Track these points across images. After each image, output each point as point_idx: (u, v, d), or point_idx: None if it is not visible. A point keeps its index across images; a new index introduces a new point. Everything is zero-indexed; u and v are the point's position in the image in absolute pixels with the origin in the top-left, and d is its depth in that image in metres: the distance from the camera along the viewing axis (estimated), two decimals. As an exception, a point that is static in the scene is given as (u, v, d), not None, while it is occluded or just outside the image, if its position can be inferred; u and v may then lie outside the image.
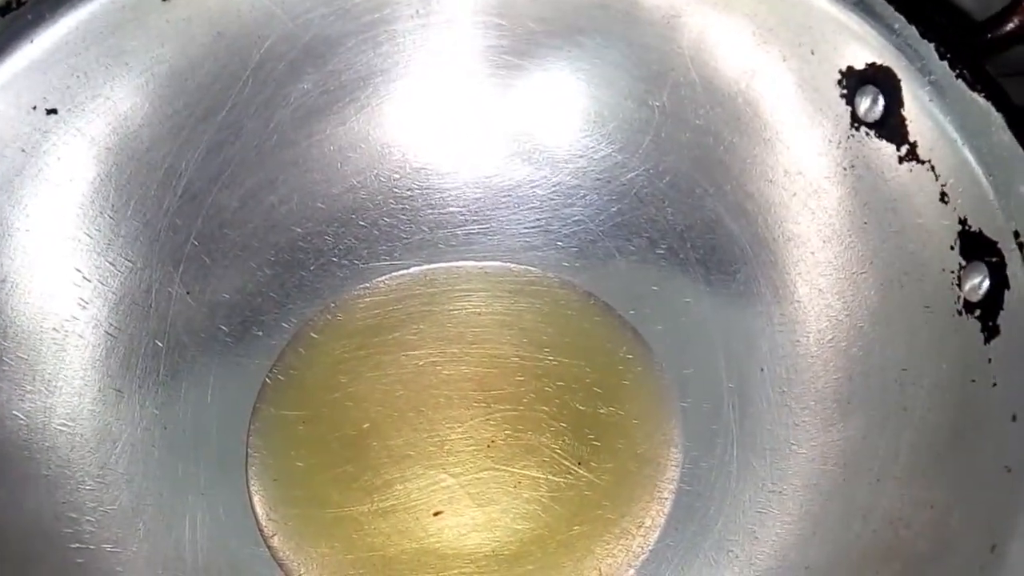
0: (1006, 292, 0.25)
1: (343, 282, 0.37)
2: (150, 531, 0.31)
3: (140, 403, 0.32)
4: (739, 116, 0.34)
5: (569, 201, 0.37)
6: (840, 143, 0.31)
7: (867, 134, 0.30)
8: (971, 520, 0.24)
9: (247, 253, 0.36)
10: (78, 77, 0.31)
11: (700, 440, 0.33)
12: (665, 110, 0.35)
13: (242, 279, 0.35)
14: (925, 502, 0.26)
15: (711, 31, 0.33)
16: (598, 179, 0.37)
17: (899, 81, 0.29)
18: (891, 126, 0.29)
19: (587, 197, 0.37)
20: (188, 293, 0.34)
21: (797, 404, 0.32)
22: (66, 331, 0.32)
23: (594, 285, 0.36)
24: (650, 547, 0.32)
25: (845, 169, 0.31)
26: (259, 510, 0.32)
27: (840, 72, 0.30)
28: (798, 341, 0.33)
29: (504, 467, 0.33)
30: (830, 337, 0.32)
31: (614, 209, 0.37)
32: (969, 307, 0.27)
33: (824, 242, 0.32)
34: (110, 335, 0.33)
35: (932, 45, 0.28)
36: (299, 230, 0.36)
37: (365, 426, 0.34)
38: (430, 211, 0.38)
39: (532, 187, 0.38)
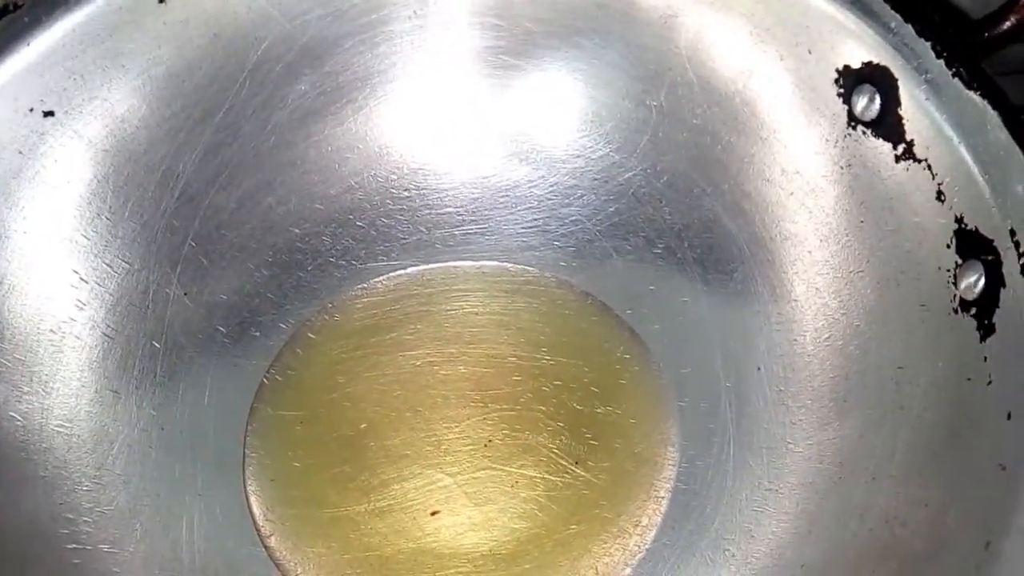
0: (1002, 290, 0.25)
1: (341, 282, 0.37)
2: (147, 532, 0.31)
3: (137, 404, 0.32)
4: (736, 115, 0.34)
5: (566, 201, 0.37)
6: (837, 142, 0.31)
7: (864, 133, 0.30)
8: (967, 518, 0.24)
9: (245, 254, 0.36)
10: (75, 79, 0.31)
11: (697, 439, 0.33)
12: (663, 110, 0.35)
13: (240, 280, 0.35)
14: (921, 500, 0.26)
15: (708, 31, 0.33)
16: (595, 179, 0.37)
17: (896, 80, 0.28)
18: (888, 125, 0.29)
19: (584, 197, 0.37)
20: (185, 294, 0.34)
21: (794, 403, 0.32)
22: (63, 332, 0.32)
23: (591, 285, 0.36)
24: (647, 546, 0.32)
25: (842, 168, 0.31)
26: (256, 510, 0.32)
27: (837, 71, 0.30)
28: (795, 340, 0.33)
29: (501, 466, 0.33)
30: (827, 336, 0.32)
31: (611, 209, 0.37)
32: (965, 305, 0.27)
33: (821, 241, 0.32)
34: (107, 336, 0.33)
35: (928, 44, 0.28)
36: (297, 231, 0.36)
37: (362, 426, 0.34)
38: (427, 211, 0.38)
39: (529, 187, 0.38)
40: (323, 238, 0.37)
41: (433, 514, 0.33)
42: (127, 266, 0.33)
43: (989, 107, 0.26)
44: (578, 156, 0.37)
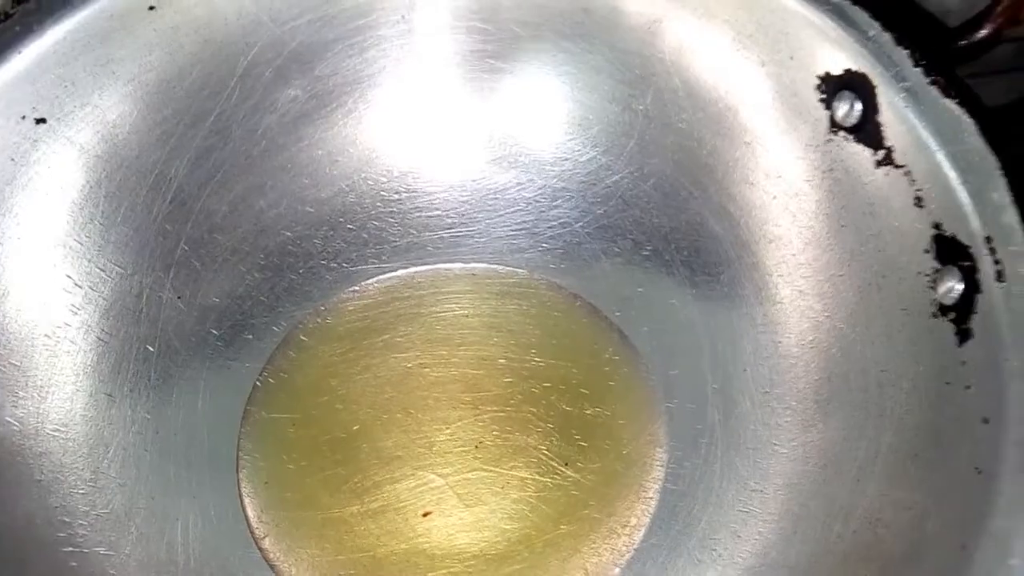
0: (978, 296, 0.26)
1: (332, 285, 0.37)
2: (142, 534, 0.31)
3: (132, 407, 0.33)
4: (720, 120, 0.34)
5: (554, 203, 0.38)
6: (819, 147, 0.32)
7: (845, 138, 0.31)
8: (945, 521, 0.24)
9: (237, 257, 0.36)
10: (67, 86, 0.31)
11: (685, 440, 0.34)
12: (648, 114, 0.36)
13: (232, 283, 0.36)
14: (903, 503, 0.26)
15: (692, 37, 0.33)
16: (583, 182, 0.37)
17: (875, 87, 0.29)
18: (868, 131, 0.30)
19: (572, 199, 0.37)
20: (179, 298, 0.35)
21: (779, 404, 0.32)
22: (58, 337, 0.32)
23: (580, 287, 0.37)
24: (635, 546, 0.33)
25: (824, 173, 0.32)
26: (250, 512, 0.33)
27: (818, 77, 0.31)
28: (780, 342, 0.33)
29: (492, 468, 0.34)
30: (811, 338, 0.33)
31: (599, 211, 0.37)
32: (943, 310, 0.27)
33: (805, 244, 0.33)
34: (101, 340, 0.33)
35: (906, 52, 0.28)
36: (288, 234, 0.37)
37: (355, 428, 0.34)
38: (417, 214, 0.38)
39: (518, 190, 0.38)
40: (314, 241, 0.37)
41: (425, 515, 0.33)
42: (120, 270, 0.34)
43: (966, 115, 0.27)
44: (565, 159, 0.37)
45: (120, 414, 0.32)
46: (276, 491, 0.33)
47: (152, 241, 0.34)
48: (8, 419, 0.31)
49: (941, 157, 0.27)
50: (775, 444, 0.32)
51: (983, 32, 0.28)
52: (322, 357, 0.36)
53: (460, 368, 0.36)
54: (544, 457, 0.34)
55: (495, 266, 0.38)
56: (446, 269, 0.38)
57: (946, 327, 0.27)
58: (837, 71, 0.30)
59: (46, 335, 0.32)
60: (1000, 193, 0.26)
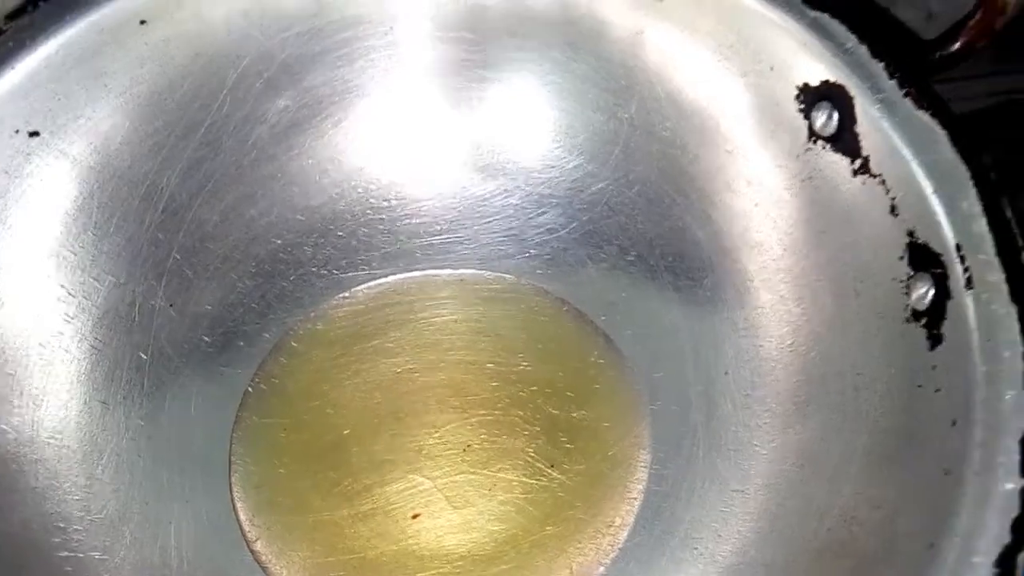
0: (949, 303, 0.26)
1: (322, 292, 0.38)
2: (136, 539, 0.32)
3: (125, 414, 0.33)
4: (703, 128, 0.35)
5: (541, 210, 0.38)
6: (799, 156, 0.32)
7: (823, 147, 0.31)
8: (915, 520, 0.25)
9: (228, 265, 0.37)
10: (59, 100, 0.32)
11: (668, 442, 0.34)
12: (633, 122, 0.36)
13: (224, 291, 0.36)
14: (876, 502, 0.27)
15: (675, 48, 0.34)
16: (569, 189, 0.38)
17: (852, 98, 0.30)
18: (845, 140, 0.31)
19: (559, 206, 0.38)
20: (171, 306, 0.35)
21: (759, 406, 0.33)
22: (52, 346, 0.33)
23: (566, 292, 0.38)
24: (620, 545, 0.33)
25: (803, 181, 0.32)
26: (242, 516, 0.33)
27: (797, 88, 0.32)
28: (760, 345, 0.34)
29: (480, 470, 0.35)
30: (790, 342, 0.33)
31: (585, 218, 0.38)
32: (916, 315, 0.28)
33: (784, 250, 0.34)
34: (95, 349, 0.34)
35: (882, 64, 0.29)
36: (279, 242, 0.37)
37: (345, 432, 0.35)
38: (406, 221, 0.39)
39: (505, 196, 0.39)
40: (305, 248, 0.38)
41: (414, 517, 0.34)
42: (113, 279, 0.34)
43: (938, 126, 0.27)
44: (552, 166, 0.38)
45: (114, 421, 0.33)
46: (268, 495, 0.34)
47: (144, 250, 0.35)
48: (3, 427, 0.31)
49: (915, 167, 0.28)
50: (755, 445, 0.33)
51: (956, 45, 0.28)
52: (313, 363, 0.36)
53: (449, 373, 0.36)
54: (531, 459, 0.35)
55: (483, 272, 0.38)
56: (435, 275, 0.38)
57: (918, 332, 0.28)
58: (815, 82, 0.31)
59: (40, 344, 0.33)
60: (970, 202, 0.26)
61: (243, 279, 0.37)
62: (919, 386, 0.27)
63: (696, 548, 0.32)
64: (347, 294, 0.38)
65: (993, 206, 0.26)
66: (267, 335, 0.36)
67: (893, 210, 0.29)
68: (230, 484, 0.34)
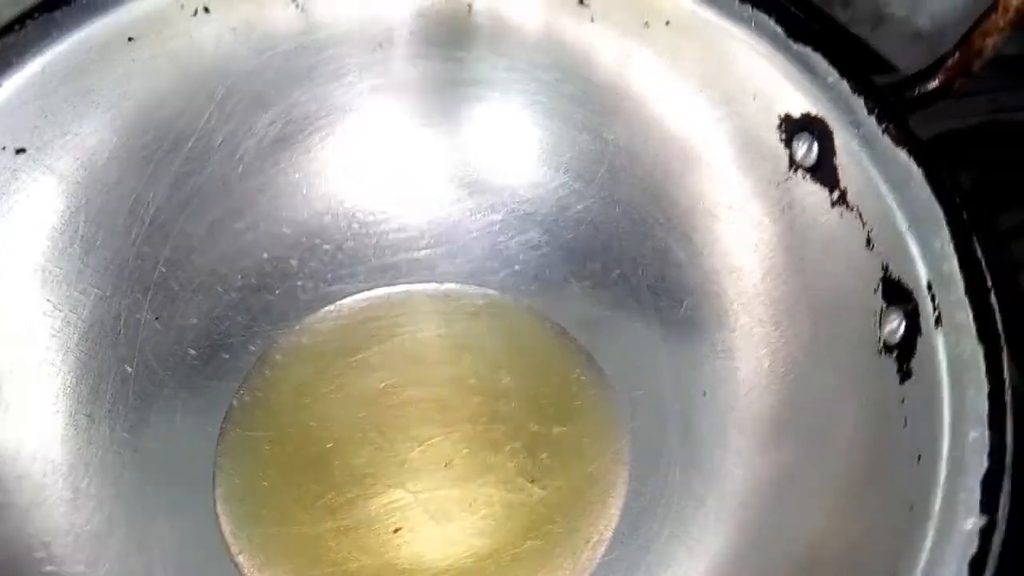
0: (919, 338, 0.27)
1: (307, 305, 0.38)
2: (121, 552, 0.32)
3: (111, 428, 0.34)
4: (687, 153, 0.35)
5: (526, 227, 0.39)
6: (779, 184, 0.33)
7: (804, 177, 0.32)
8: (878, 552, 0.26)
9: (214, 278, 0.37)
10: (46, 117, 0.32)
11: (647, 459, 0.35)
12: (618, 143, 0.37)
13: (209, 304, 0.37)
14: (842, 530, 0.28)
15: (660, 75, 0.34)
16: (554, 207, 0.38)
17: (831, 131, 0.30)
18: (825, 171, 0.31)
19: (543, 224, 0.39)
20: (157, 319, 0.36)
21: (735, 428, 0.34)
22: (37, 360, 0.33)
23: (549, 309, 0.38)
24: (598, 561, 0.34)
25: (783, 208, 0.33)
26: (226, 528, 0.34)
27: (779, 118, 0.32)
28: (738, 368, 0.35)
29: (461, 485, 0.35)
30: (767, 364, 0.34)
31: (569, 236, 0.38)
32: (888, 348, 0.29)
33: (764, 275, 0.34)
34: (80, 362, 0.34)
35: (861, 100, 0.29)
36: (265, 255, 0.38)
37: (329, 446, 0.36)
38: (392, 236, 0.39)
39: (490, 213, 0.39)
40: (291, 262, 0.38)
41: (396, 531, 0.34)
42: (99, 293, 0.34)
43: (914, 164, 0.28)
44: (537, 185, 0.39)
45: (99, 434, 0.33)
46: (251, 507, 0.34)
47: (130, 264, 0.35)
48: (-11, 441, 0.31)
49: (890, 202, 0.29)
50: (731, 466, 0.34)
51: (934, 83, 0.29)
52: (297, 376, 0.37)
53: (432, 387, 0.37)
54: (512, 475, 0.35)
55: (467, 287, 0.39)
56: (419, 290, 0.39)
57: (890, 365, 0.28)
58: (797, 114, 0.31)
59: (25, 358, 0.33)
60: (943, 241, 0.27)
61: (229, 292, 0.37)
62: (888, 418, 0.28)
63: (671, 565, 0.33)
64: (332, 308, 0.38)
65: (965, 246, 0.27)
66: (252, 348, 0.37)
67: (869, 243, 0.30)
68: (214, 497, 0.34)
